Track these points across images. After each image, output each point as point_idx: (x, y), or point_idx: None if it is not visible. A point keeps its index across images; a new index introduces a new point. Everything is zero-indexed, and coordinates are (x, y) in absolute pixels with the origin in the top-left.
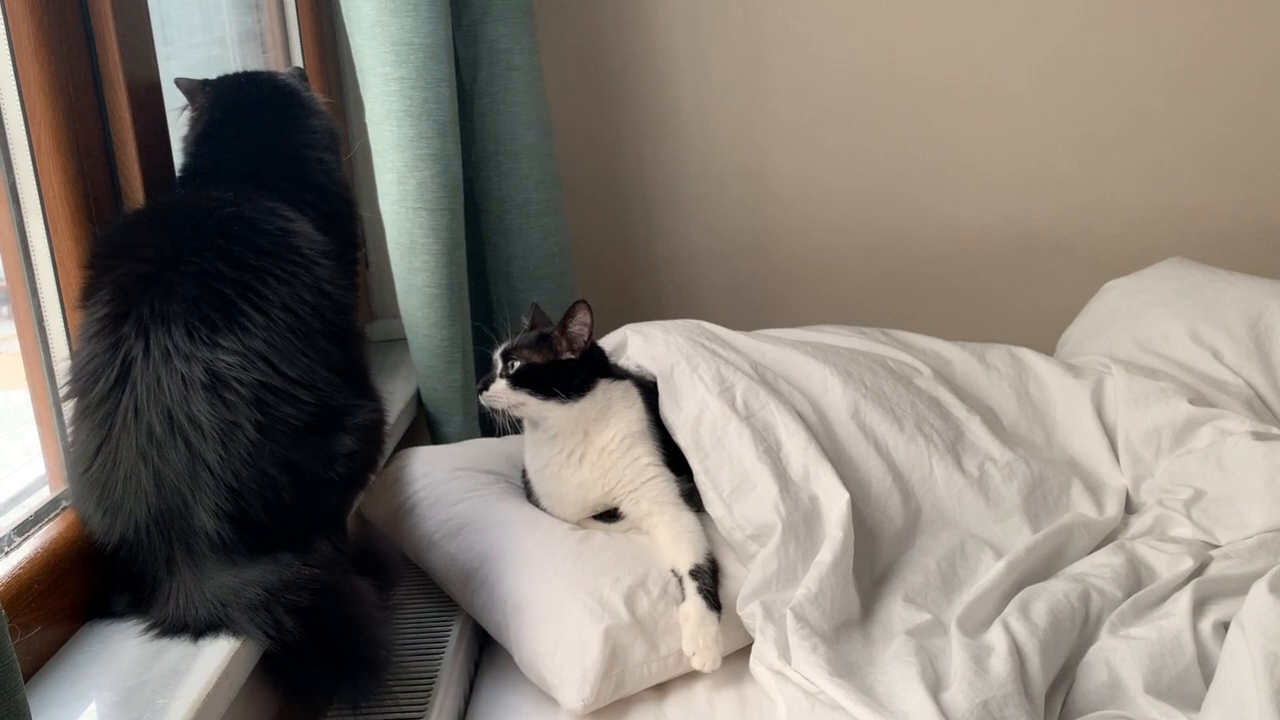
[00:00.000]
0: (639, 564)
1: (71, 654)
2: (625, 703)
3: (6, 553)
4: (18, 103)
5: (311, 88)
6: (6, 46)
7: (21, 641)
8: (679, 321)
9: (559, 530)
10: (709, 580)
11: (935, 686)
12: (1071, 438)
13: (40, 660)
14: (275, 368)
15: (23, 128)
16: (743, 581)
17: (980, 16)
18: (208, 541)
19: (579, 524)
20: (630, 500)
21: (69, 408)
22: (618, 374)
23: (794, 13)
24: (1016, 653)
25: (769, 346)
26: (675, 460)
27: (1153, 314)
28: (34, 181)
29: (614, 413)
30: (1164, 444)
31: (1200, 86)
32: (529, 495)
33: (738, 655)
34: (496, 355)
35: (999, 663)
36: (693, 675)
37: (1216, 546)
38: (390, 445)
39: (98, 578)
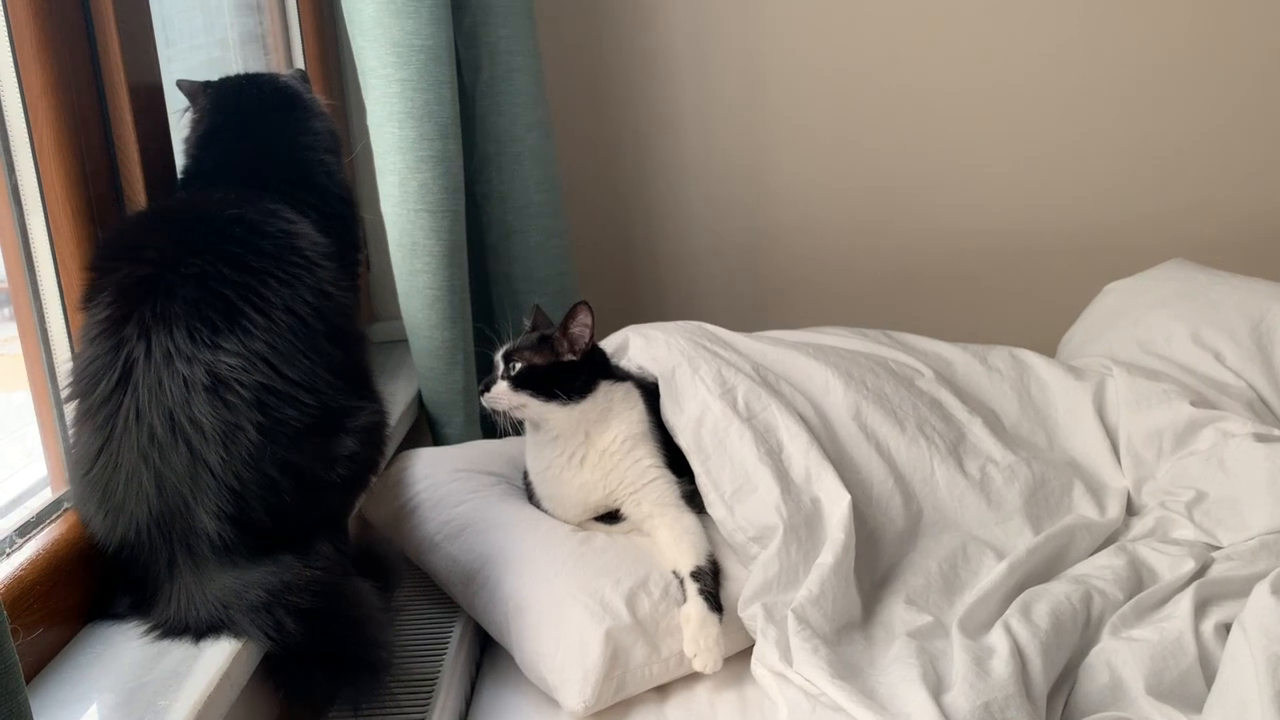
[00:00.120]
0: (640, 565)
1: (73, 655)
2: (626, 704)
3: (8, 554)
4: (20, 104)
5: (313, 89)
6: (9, 49)
7: (23, 643)
8: (680, 323)
9: (560, 532)
10: (710, 582)
11: (937, 688)
12: (1073, 439)
13: (42, 661)
14: (277, 370)
15: (25, 129)
16: (744, 583)
17: (981, 17)
18: (209, 543)
19: (580, 525)
20: (631, 502)
21: (70, 409)
22: (619, 375)
23: (794, 13)
24: (1018, 654)
25: (770, 348)
26: (677, 462)
27: (1154, 316)
28: (36, 183)
29: (615, 414)
30: (1166, 446)
31: (1201, 87)
32: (530, 497)
33: (739, 657)
34: (498, 357)
35: (1000, 664)
36: (694, 677)
37: (1218, 548)
38: (391, 447)
39: (99, 579)
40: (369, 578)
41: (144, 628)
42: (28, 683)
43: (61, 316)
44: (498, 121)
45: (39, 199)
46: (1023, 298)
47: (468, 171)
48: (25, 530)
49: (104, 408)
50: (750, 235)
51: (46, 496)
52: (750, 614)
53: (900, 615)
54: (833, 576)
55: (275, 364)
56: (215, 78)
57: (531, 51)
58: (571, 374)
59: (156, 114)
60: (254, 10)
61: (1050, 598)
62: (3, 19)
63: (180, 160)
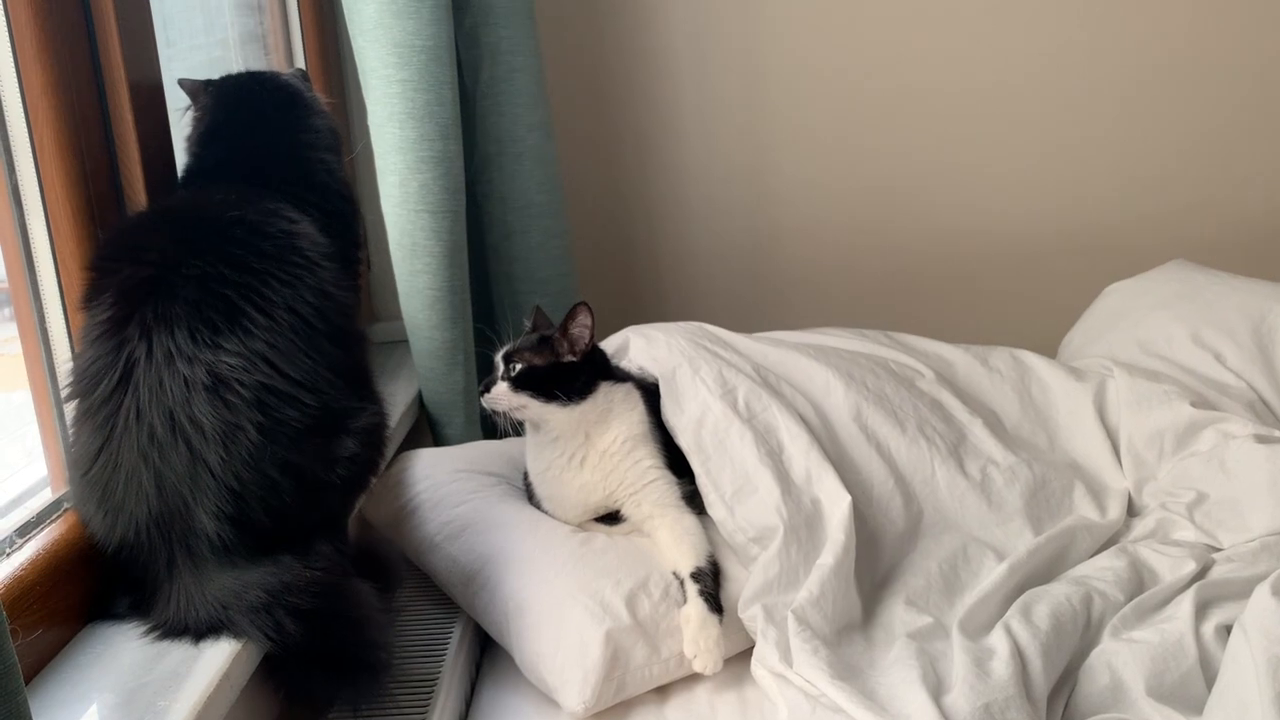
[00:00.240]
0: (640, 566)
1: (73, 656)
2: (626, 705)
3: (8, 554)
4: (20, 104)
5: (314, 88)
6: (9, 48)
7: (23, 643)
8: (681, 324)
9: (560, 532)
10: (710, 583)
11: (937, 689)
12: (1074, 440)
13: (41, 662)
14: (277, 370)
15: (25, 129)
16: (744, 584)
17: (981, 18)
18: (209, 543)
19: (580, 526)
20: (632, 503)
21: (71, 409)
22: (619, 376)
23: (794, 13)
24: (1018, 656)
25: (771, 349)
26: (677, 463)
27: (1155, 317)
28: (36, 182)
29: (615, 415)
30: (1166, 447)
31: (1201, 88)
32: (530, 497)
33: (739, 658)
34: (498, 357)
35: (1001, 666)
36: (694, 678)
37: (1219, 549)
38: (392, 448)
39: (99, 579)
40: (369, 578)
41: (144, 628)
42: (27, 683)
43: (62, 316)
44: (498, 122)
45: (39, 199)
46: (1023, 298)
47: (468, 172)
48: (25, 530)
49: (104, 407)
50: (750, 236)
51: (46, 496)
52: (750, 615)
53: (900, 616)
54: (833, 577)
55: (276, 364)
56: (216, 76)
57: (532, 52)
58: (572, 375)
59: (157, 113)
60: (254, 10)
61: (1051, 599)
62: (3, 19)
63: (181, 158)
